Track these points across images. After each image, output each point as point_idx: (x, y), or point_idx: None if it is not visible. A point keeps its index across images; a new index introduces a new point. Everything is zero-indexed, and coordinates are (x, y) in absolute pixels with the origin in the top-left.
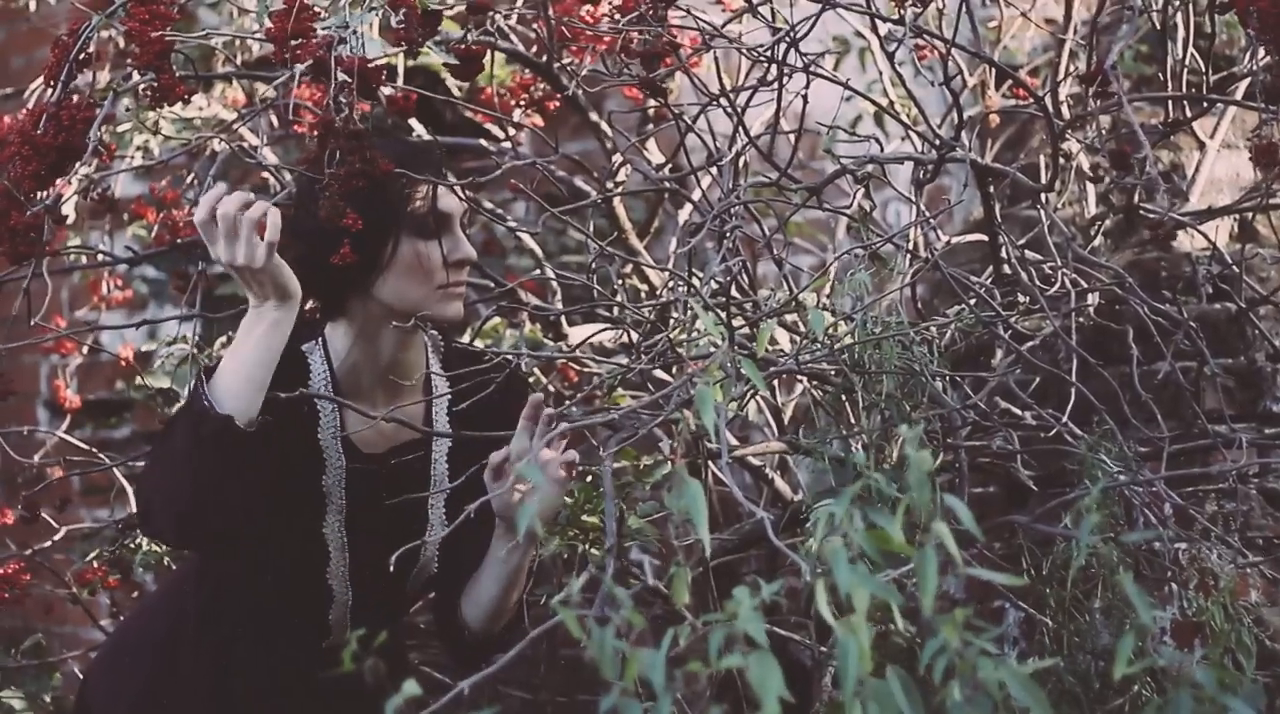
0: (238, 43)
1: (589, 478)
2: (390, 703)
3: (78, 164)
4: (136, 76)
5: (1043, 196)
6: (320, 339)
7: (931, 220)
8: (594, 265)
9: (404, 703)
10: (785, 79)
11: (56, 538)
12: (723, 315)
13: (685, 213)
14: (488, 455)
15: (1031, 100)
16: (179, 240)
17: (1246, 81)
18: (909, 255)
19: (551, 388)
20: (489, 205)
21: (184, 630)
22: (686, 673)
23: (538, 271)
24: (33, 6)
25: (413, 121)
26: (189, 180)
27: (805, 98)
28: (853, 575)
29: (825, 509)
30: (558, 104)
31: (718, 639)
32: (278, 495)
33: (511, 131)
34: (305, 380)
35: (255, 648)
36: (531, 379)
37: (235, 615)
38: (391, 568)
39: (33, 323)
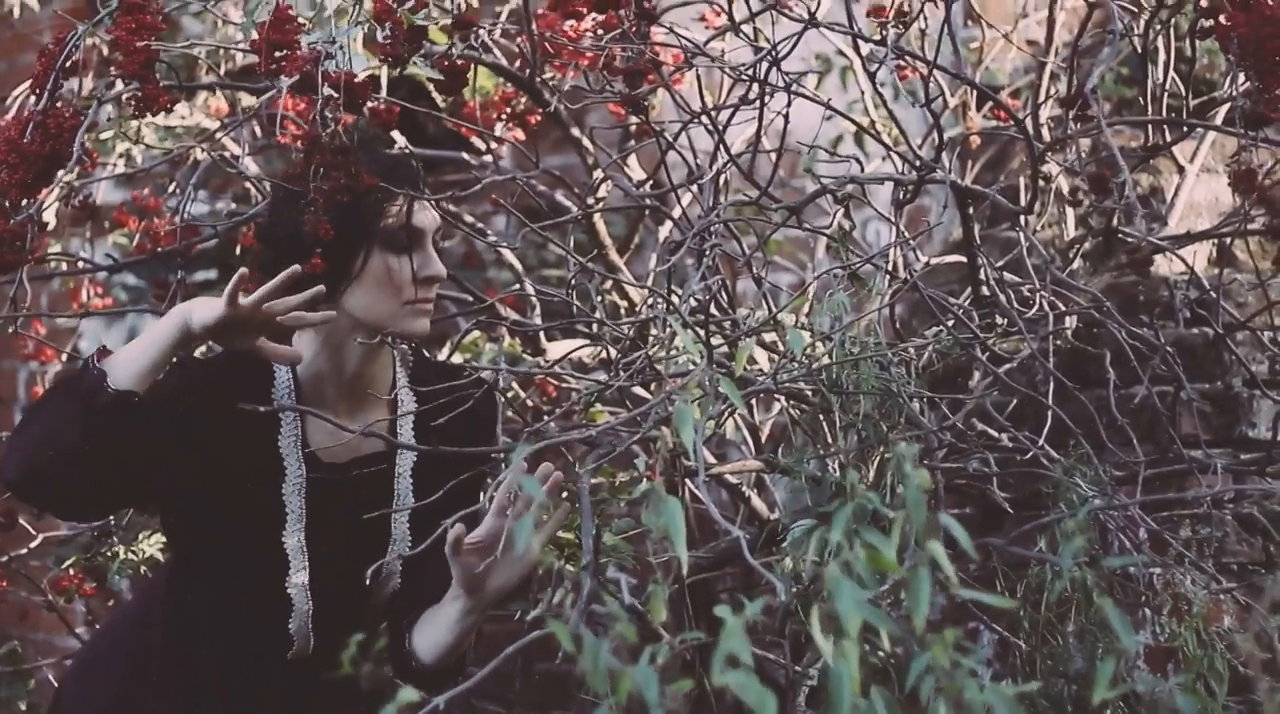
0: (221, 52)
1: (564, 494)
2: (386, 710)
3: (64, 172)
4: (120, 85)
5: (1022, 219)
6: None
7: (911, 241)
8: (573, 281)
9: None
10: (767, 98)
11: (33, 545)
12: (701, 333)
13: (665, 230)
14: (452, 471)
15: (1012, 122)
16: (160, 248)
17: (1226, 106)
18: (888, 276)
19: (530, 402)
20: (469, 219)
21: (153, 638)
22: (670, 691)
23: (517, 286)
24: (16, 13)
25: (395, 133)
26: (170, 189)
27: (786, 117)
28: (852, 601)
29: (818, 531)
30: (539, 119)
31: (721, 656)
32: (237, 503)
33: (493, 145)
34: (269, 386)
35: (221, 657)
36: (510, 394)
37: (201, 624)
38: (367, 582)
39: (14, 331)
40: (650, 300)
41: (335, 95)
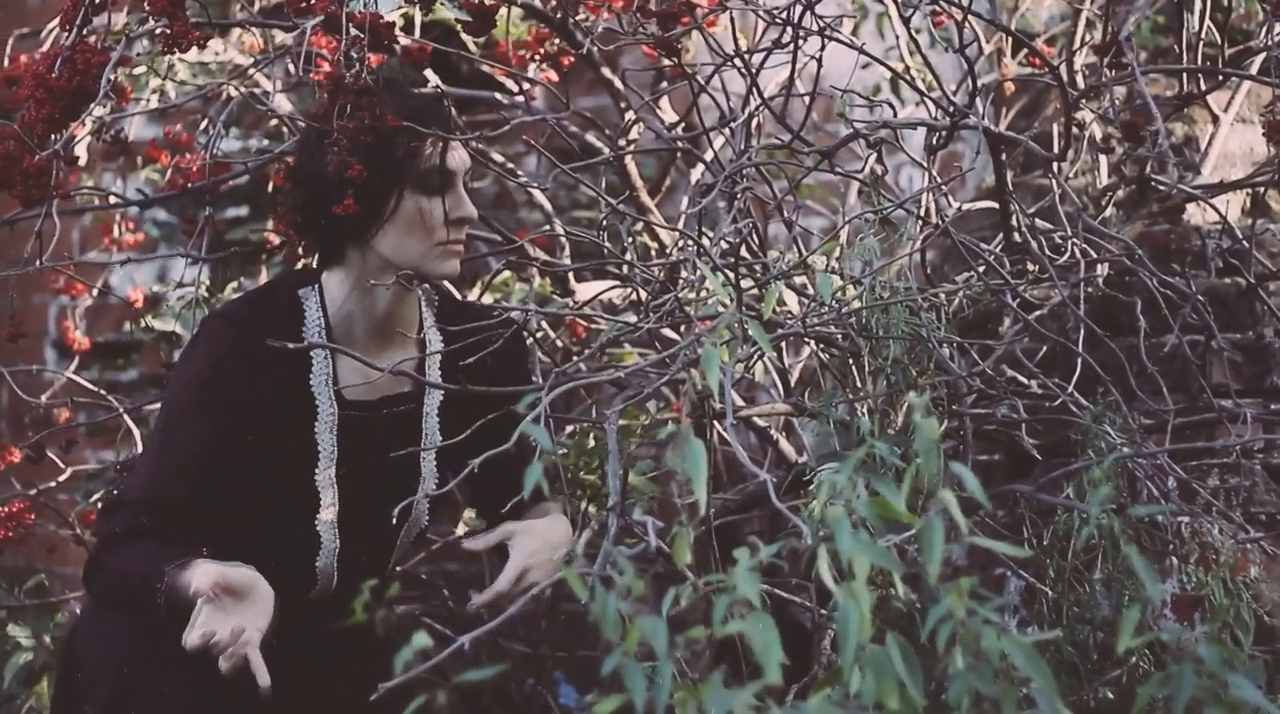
0: None
1: (590, 435)
2: (400, 655)
3: (91, 107)
4: (151, 22)
5: (1055, 166)
6: (317, 286)
7: (943, 186)
8: (604, 222)
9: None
10: (801, 41)
11: (61, 478)
12: (731, 276)
13: (697, 172)
14: (480, 410)
15: (1047, 69)
16: (191, 184)
17: (1262, 56)
18: (920, 221)
19: (560, 343)
20: (501, 159)
21: None
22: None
23: (547, 227)
24: None
25: (428, 73)
26: (203, 125)
27: (820, 61)
28: (854, 542)
29: (828, 475)
30: (572, 60)
31: (723, 606)
32: (270, 442)
33: (525, 86)
34: (300, 326)
35: None
36: (540, 334)
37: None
38: (395, 520)
39: (41, 264)
40: (681, 242)
41: (360, 35)
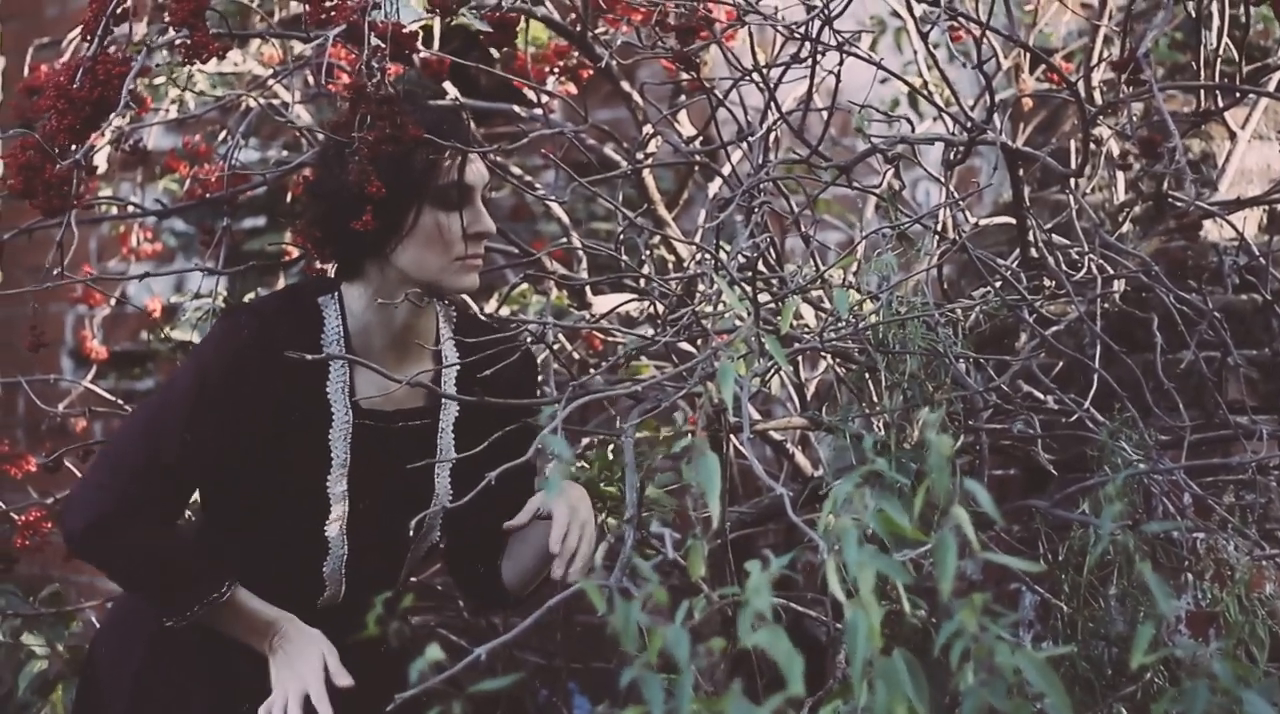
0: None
1: (610, 448)
2: (414, 666)
3: (111, 118)
4: (171, 32)
5: (1072, 182)
6: (336, 295)
7: (960, 202)
8: (622, 236)
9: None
10: (819, 56)
11: None
12: (748, 290)
13: (714, 186)
14: (495, 426)
15: (1064, 85)
16: (209, 195)
17: (1279, 73)
18: (937, 236)
19: (576, 356)
20: (519, 172)
21: None
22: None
23: (565, 240)
24: None
25: (446, 84)
26: (221, 135)
27: (838, 75)
28: (860, 554)
29: (838, 489)
30: (590, 73)
31: (748, 617)
32: (283, 448)
33: (544, 99)
34: (319, 334)
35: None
36: (556, 346)
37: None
38: (411, 533)
39: (59, 272)
40: (698, 256)
41: (382, 45)
